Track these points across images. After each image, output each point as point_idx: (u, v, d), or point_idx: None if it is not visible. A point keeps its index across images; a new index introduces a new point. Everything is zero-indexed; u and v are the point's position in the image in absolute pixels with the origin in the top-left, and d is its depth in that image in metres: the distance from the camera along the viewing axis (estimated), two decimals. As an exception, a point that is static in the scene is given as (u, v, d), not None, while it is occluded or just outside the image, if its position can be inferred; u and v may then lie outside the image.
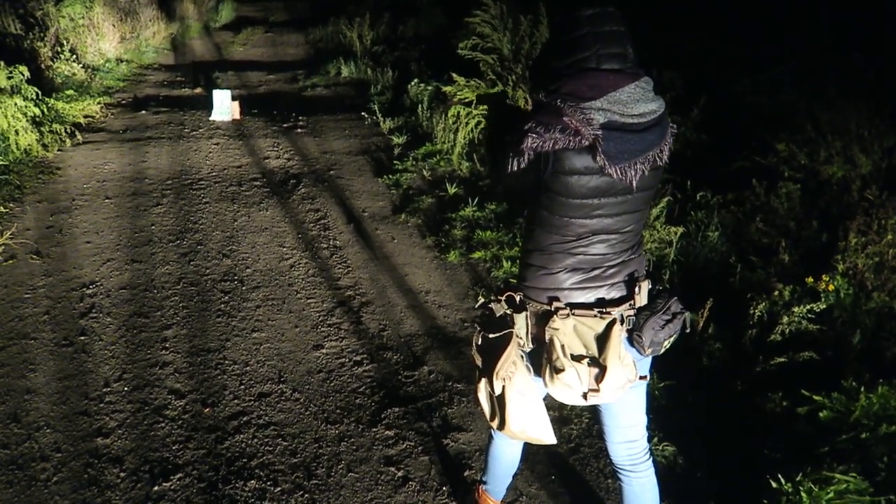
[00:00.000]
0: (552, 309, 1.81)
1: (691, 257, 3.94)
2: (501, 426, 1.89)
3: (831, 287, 3.30)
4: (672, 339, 1.85)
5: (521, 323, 1.85)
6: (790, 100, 5.21)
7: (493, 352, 1.84)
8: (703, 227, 4.05)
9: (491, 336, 1.85)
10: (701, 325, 3.29)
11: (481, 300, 1.97)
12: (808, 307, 3.16)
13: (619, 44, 1.66)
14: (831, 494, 2.32)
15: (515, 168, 1.69)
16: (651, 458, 2.08)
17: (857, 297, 3.31)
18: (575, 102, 1.62)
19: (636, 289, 1.84)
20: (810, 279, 3.35)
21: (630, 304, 1.83)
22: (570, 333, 1.79)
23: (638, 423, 2.04)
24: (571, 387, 1.77)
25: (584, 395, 1.78)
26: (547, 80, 1.72)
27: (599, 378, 1.76)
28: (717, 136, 5.13)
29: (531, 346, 1.87)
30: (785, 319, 3.17)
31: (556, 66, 1.70)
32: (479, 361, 1.91)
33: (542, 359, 1.83)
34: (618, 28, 1.67)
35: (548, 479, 2.72)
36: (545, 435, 1.89)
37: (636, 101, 1.65)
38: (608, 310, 1.80)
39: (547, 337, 1.80)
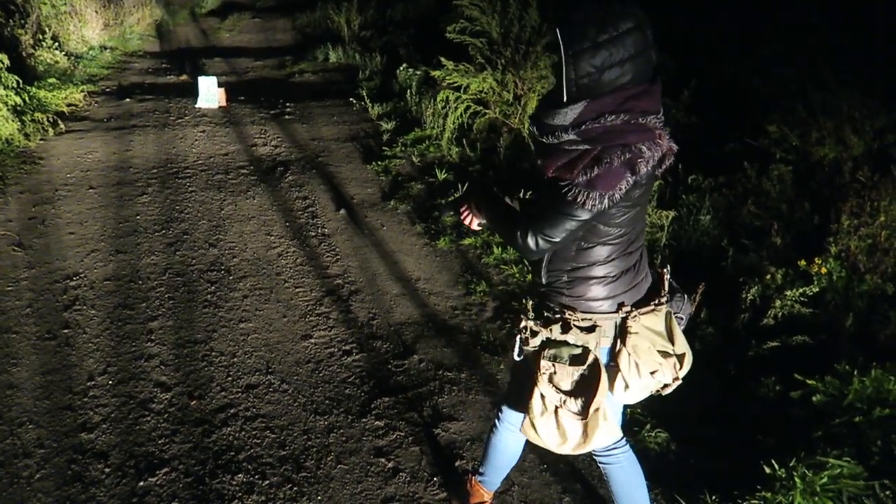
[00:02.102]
0: (624, 314, 1.81)
1: (683, 241, 3.91)
2: (580, 446, 1.84)
3: (824, 270, 3.27)
4: None
5: (593, 342, 1.81)
6: (782, 81, 5.16)
7: (585, 382, 1.79)
8: (694, 211, 4.02)
9: (583, 371, 1.78)
10: (693, 309, 3.26)
11: (527, 336, 1.84)
12: (801, 290, 3.13)
13: (652, 44, 1.58)
14: (825, 479, 2.30)
15: (612, 203, 1.60)
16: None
17: (850, 279, 3.29)
18: (652, 119, 1.60)
19: (662, 275, 1.91)
20: (803, 262, 3.32)
21: (663, 292, 1.88)
22: (646, 333, 1.81)
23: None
24: (660, 382, 1.82)
25: (665, 387, 1.86)
26: (610, 102, 1.57)
27: (678, 366, 1.84)
28: (709, 118, 5.09)
29: (606, 359, 1.86)
30: (777, 303, 3.15)
31: (616, 79, 1.56)
32: (551, 395, 1.81)
33: (618, 367, 1.81)
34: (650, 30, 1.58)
35: (539, 468, 2.69)
36: (617, 433, 1.91)
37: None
38: (660, 301, 1.85)
39: (630, 344, 1.79)
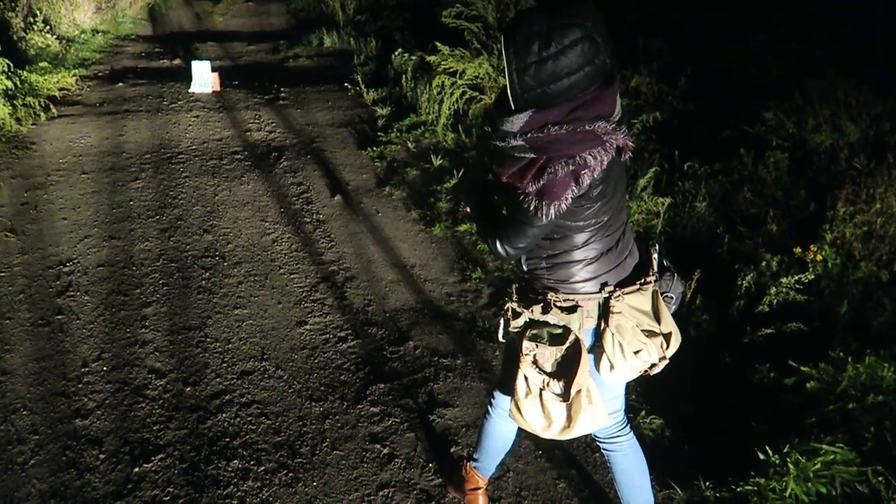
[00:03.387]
0: (607, 294, 1.79)
1: (679, 228, 3.90)
2: (565, 429, 1.85)
3: (819, 257, 3.27)
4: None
5: (576, 323, 1.81)
6: (778, 68, 5.14)
7: (566, 363, 1.79)
8: (690, 198, 4.01)
9: (564, 348, 1.79)
10: (688, 296, 3.26)
11: (510, 317, 1.85)
12: (796, 278, 3.13)
13: (607, 46, 1.54)
14: (818, 465, 2.31)
15: (558, 213, 1.61)
16: (629, 425, 2.11)
17: (845, 266, 3.29)
18: (605, 123, 1.56)
19: (651, 255, 1.90)
20: (798, 249, 3.32)
21: (652, 271, 1.87)
22: (630, 313, 1.79)
23: (620, 394, 2.05)
24: (646, 362, 1.80)
25: (652, 367, 1.84)
26: (557, 112, 1.55)
27: (665, 346, 1.82)
28: (705, 105, 5.07)
29: (591, 340, 1.85)
30: (772, 290, 3.15)
31: (562, 90, 1.53)
32: (534, 377, 1.82)
33: (602, 348, 1.81)
34: (605, 29, 1.52)
35: (535, 454, 2.70)
36: (605, 419, 1.89)
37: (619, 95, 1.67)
38: (646, 280, 1.83)
39: (613, 324, 1.78)
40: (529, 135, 1.58)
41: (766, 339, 3.01)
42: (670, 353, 1.84)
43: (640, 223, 3.89)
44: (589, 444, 2.72)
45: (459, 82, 5.39)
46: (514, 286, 1.95)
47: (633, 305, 1.80)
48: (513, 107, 1.60)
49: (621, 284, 1.81)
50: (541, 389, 1.83)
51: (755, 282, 3.25)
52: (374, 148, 5.52)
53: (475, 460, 2.34)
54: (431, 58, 5.56)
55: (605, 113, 1.57)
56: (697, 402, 2.86)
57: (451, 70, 5.39)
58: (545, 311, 1.81)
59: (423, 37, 6.84)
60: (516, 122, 1.59)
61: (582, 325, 1.81)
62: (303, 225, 4.41)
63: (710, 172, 4.19)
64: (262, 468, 2.62)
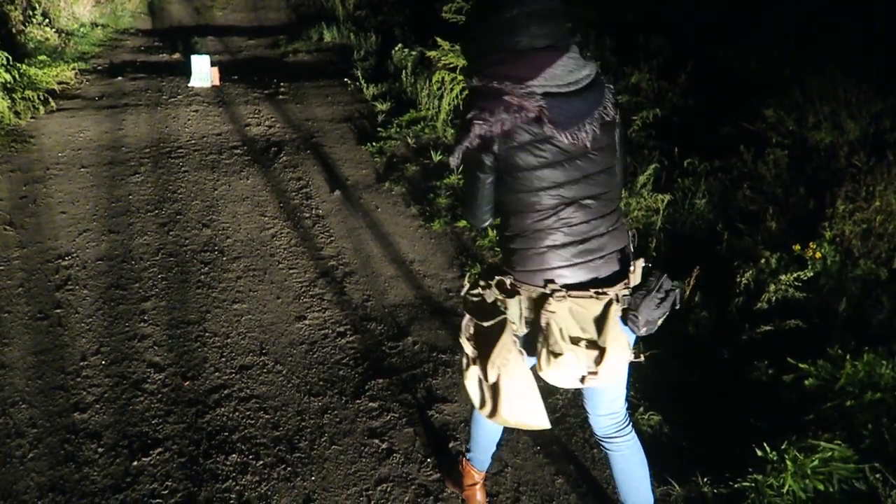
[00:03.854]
0: (548, 291, 1.76)
1: (678, 225, 3.91)
2: (493, 414, 1.85)
3: (818, 254, 3.28)
4: (665, 316, 1.82)
5: (514, 308, 1.81)
6: (778, 65, 5.14)
7: (487, 340, 1.79)
8: (690, 195, 4.01)
9: (485, 325, 1.79)
10: (687, 293, 3.26)
11: (467, 285, 1.90)
12: (795, 275, 3.14)
13: (552, 20, 1.69)
14: (816, 462, 2.32)
15: (459, 158, 1.74)
16: (631, 423, 2.09)
17: (844, 264, 3.29)
18: (513, 83, 1.65)
19: (631, 267, 1.81)
20: (797, 247, 3.33)
21: (625, 283, 1.80)
22: (566, 316, 1.74)
23: (621, 395, 2.04)
24: (570, 371, 1.75)
25: (582, 379, 1.76)
26: (481, 65, 1.73)
27: (598, 360, 1.73)
28: (705, 101, 5.07)
29: (525, 330, 1.83)
30: (771, 287, 3.15)
31: (489, 49, 1.71)
32: (469, 349, 1.86)
33: (536, 343, 1.79)
34: (546, 4, 1.68)
35: (533, 449, 2.70)
36: (539, 420, 1.86)
37: (570, 72, 1.69)
38: (604, 289, 1.76)
39: (543, 321, 1.75)
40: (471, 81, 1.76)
41: (765, 336, 3.01)
42: (603, 370, 1.73)
43: (640, 220, 3.89)
44: (587, 440, 2.72)
45: (460, 78, 5.38)
46: (492, 262, 2.04)
47: (576, 310, 1.74)
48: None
49: (578, 287, 1.76)
50: (474, 364, 1.86)
51: (754, 279, 3.25)
52: (374, 143, 5.52)
53: (469, 452, 2.34)
54: (431, 53, 5.54)
55: (519, 75, 1.65)
56: (696, 399, 2.86)
57: (452, 66, 5.37)
58: (488, 287, 1.84)
59: (424, 32, 6.82)
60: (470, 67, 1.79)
61: (522, 315, 1.82)
62: (302, 220, 4.41)
63: (710, 169, 4.19)
64: (261, 462, 2.63)
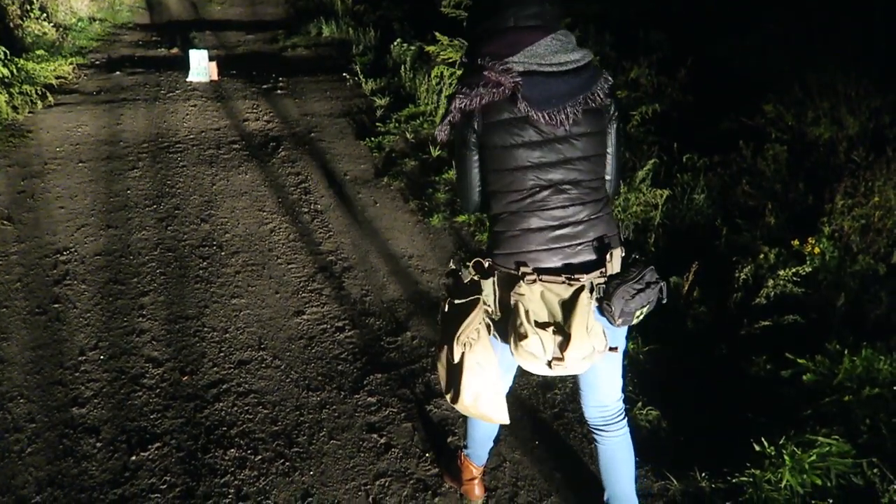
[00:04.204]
0: (519, 273, 1.76)
1: (677, 220, 3.90)
2: (455, 398, 1.86)
3: (817, 250, 3.28)
4: (645, 309, 1.78)
5: (489, 290, 1.82)
6: (778, 60, 5.13)
7: (457, 317, 1.79)
8: (689, 190, 4.01)
9: (457, 302, 1.80)
10: (686, 288, 3.26)
11: (451, 267, 1.92)
12: (794, 270, 3.14)
13: (536, 3, 1.73)
14: (814, 457, 2.32)
15: (447, 132, 1.81)
16: (625, 420, 2.09)
17: (843, 259, 3.29)
18: (495, 60, 1.69)
19: (608, 255, 1.78)
20: (796, 242, 3.33)
21: (601, 272, 1.77)
22: (536, 300, 1.74)
23: (613, 390, 2.04)
24: (535, 355, 1.73)
25: (549, 364, 1.74)
26: (472, 44, 1.81)
27: (563, 346, 1.70)
28: (704, 97, 5.06)
29: (499, 314, 1.83)
30: (770, 283, 3.15)
31: (479, 29, 1.79)
32: (441, 328, 1.88)
33: (508, 326, 1.79)
34: None
35: (531, 444, 2.70)
36: (498, 413, 1.86)
37: (554, 53, 1.71)
38: (577, 276, 1.74)
39: (512, 302, 1.76)
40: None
41: (764, 331, 3.01)
42: (569, 356, 1.70)
43: (639, 215, 3.88)
44: (585, 435, 2.73)
45: (458, 73, 5.37)
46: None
47: (546, 295, 1.73)
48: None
49: (550, 272, 1.75)
50: (442, 344, 1.87)
51: (753, 274, 3.25)
52: (373, 138, 5.51)
53: (466, 447, 2.35)
54: (430, 48, 5.53)
55: (499, 52, 1.70)
56: (694, 394, 2.87)
57: (450, 60, 5.36)
58: (464, 268, 1.87)
59: (422, 27, 6.81)
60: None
61: (497, 296, 1.83)
62: (300, 215, 4.41)
63: (709, 164, 4.19)
64: (259, 457, 2.63)
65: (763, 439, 2.41)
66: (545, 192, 1.74)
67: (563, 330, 1.71)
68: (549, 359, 1.73)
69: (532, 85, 1.67)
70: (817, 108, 4.35)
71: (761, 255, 3.32)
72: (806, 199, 3.72)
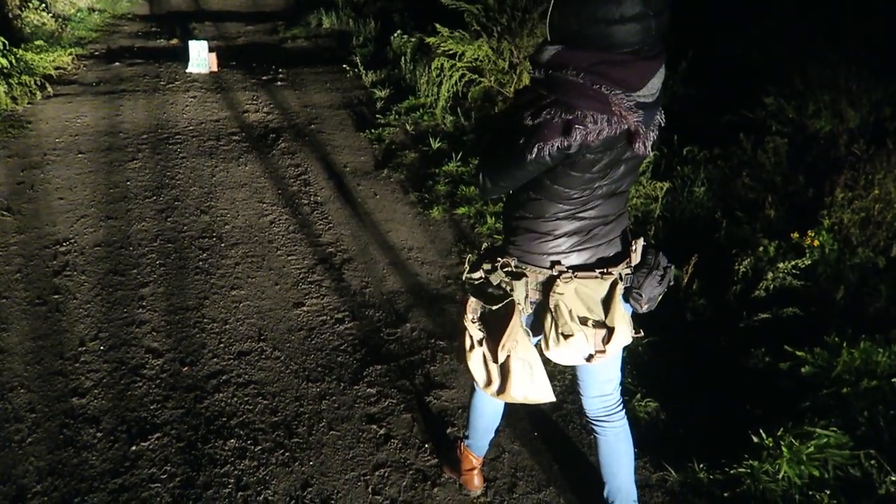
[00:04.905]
0: (555, 273, 1.77)
1: (677, 213, 3.90)
2: (501, 392, 1.88)
3: (816, 243, 3.28)
4: (663, 294, 1.86)
5: (521, 290, 1.81)
6: (779, 52, 5.11)
7: (497, 323, 1.80)
8: (689, 183, 4.00)
9: (494, 308, 1.80)
10: (686, 280, 3.27)
11: (467, 268, 1.90)
12: (793, 263, 3.14)
13: (661, 17, 1.49)
14: (811, 448, 2.33)
15: (543, 155, 1.55)
16: (624, 411, 2.11)
17: (842, 252, 3.29)
18: (623, 91, 1.51)
19: (632, 246, 1.83)
20: (796, 235, 3.33)
21: (627, 263, 1.82)
22: (573, 296, 1.76)
23: (613, 378, 2.06)
24: (580, 350, 1.77)
25: (589, 357, 1.79)
26: (582, 58, 1.50)
27: (606, 339, 1.76)
28: (706, 89, 5.05)
29: (530, 311, 1.85)
30: (769, 275, 3.16)
31: (603, 46, 1.49)
32: (473, 331, 1.87)
33: (542, 323, 1.81)
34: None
35: (530, 435, 2.71)
36: (546, 394, 1.89)
37: (660, 79, 1.59)
38: (609, 269, 1.78)
39: (552, 303, 1.77)
40: (551, 72, 1.54)
41: (763, 323, 3.02)
42: (611, 348, 1.76)
43: (639, 207, 3.88)
44: (584, 426, 2.73)
45: (459, 65, 5.36)
46: (490, 243, 2.00)
47: (582, 291, 1.76)
48: (548, 38, 1.58)
49: (583, 268, 1.78)
50: (478, 344, 1.88)
51: (752, 267, 3.25)
52: (373, 130, 5.50)
53: (467, 438, 2.35)
54: (431, 39, 5.51)
55: (629, 83, 1.51)
56: (693, 386, 2.87)
57: (451, 52, 5.35)
58: (493, 270, 1.83)
59: (423, 18, 6.79)
60: (545, 54, 1.56)
61: (528, 296, 1.82)
62: (300, 206, 4.40)
63: (710, 157, 4.18)
64: (259, 447, 2.64)
65: (761, 431, 2.42)
66: (592, 203, 1.73)
67: (603, 324, 1.76)
68: (592, 352, 1.78)
69: (641, 119, 1.56)
70: (818, 101, 4.33)
71: (761, 248, 3.32)
72: (806, 191, 3.72)
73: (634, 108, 1.53)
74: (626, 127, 1.54)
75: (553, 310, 1.77)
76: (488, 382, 1.92)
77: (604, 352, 1.77)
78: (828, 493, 2.23)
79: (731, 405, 2.72)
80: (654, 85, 1.57)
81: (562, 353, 1.79)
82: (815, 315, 3.03)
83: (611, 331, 1.75)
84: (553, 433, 2.73)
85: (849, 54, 4.64)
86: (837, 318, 2.97)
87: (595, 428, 2.12)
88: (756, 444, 2.41)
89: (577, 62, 1.51)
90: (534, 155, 1.55)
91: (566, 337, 1.74)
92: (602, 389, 2.06)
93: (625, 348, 1.99)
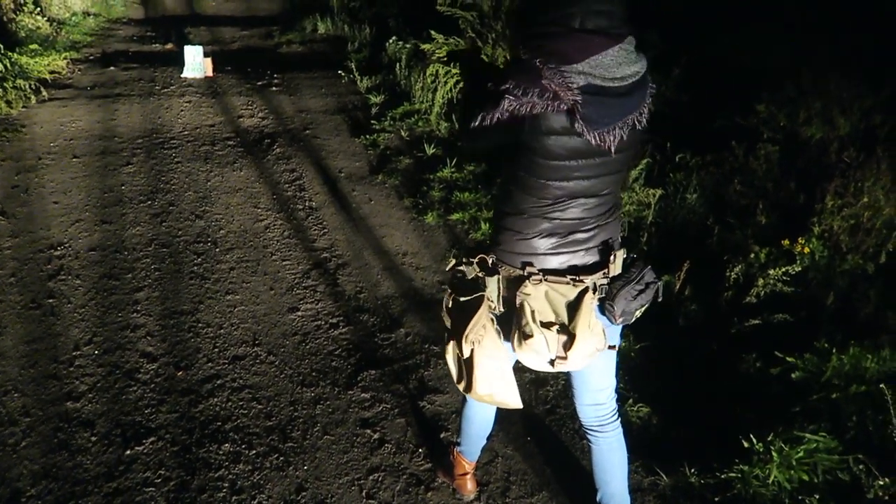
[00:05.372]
0: (525, 274, 1.78)
1: (669, 219, 3.93)
2: (468, 389, 1.89)
3: (807, 249, 3.31)
4: (644, 308, 1.83)
5: (493, 286, 1.83)
6: (770, 59, 5.16)
7: (464, 314, 1.81)
8: (681, 189, 4.04)
9: (462, 299, 1.82)
10: (678, 286, 3.29)
11: (452, 262, 1.92)
12: (784, 269, 3.17)
13: (607, 1, 1.57)
14: (801, 453, 2.36)
15: (486, 124, 1.62)
16: (619, 420, 2.11)
17: (832, 259, 3.33)
18: (556, 64, 1.55)
19: (611, 257, 1.81)
20: (786, 241, 3.36)
21: (604, 273, 1.80)
22: (541, 299, 1.76)
23: (607, 386, 2.05)
24: (539, 353, 1.76)
25: (552, 362, 1.78)
26: (529, 35, 1.61)
27: (568, 346, 1.74)
28: (698, 95, 5.09)
29: (502, 309, 1.85)
30: (760, 281, 3.19)
31: (541, 22, 1.59)
32: (448, 323, 1.90)
33: (511, 323, 1.81)
34: None
35: (523, 439, 2.73)
36: (512, 399, 1.89)
37: (619, 65, 1.59)
38: (581, 277, 1.77)
39: (518, 302, 1.77)
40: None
41: (754, 329, 3.04)
42: (572, 355, 1.75)
43: (631, 214, 3.91)
44: (577, 430, 2.75)
45: (454, 71, 5.38)
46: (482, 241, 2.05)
47: (552, 295, 1.76)
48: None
49: (556, 273, 1.78)
50: (449, 337, 1.88)
51: (744, 273, 3.28)
52: (368, 136, 5.52)
53: (459, 444, 2.37)
54: (426, 46, 5.54)
55: (565, 55, 1.55)
56: (684, 391, 2.90)
57: (446, 59, 5.37)
58: (469, 264, 1.86)
59: (418, 25, 6.80)
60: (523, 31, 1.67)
61: (500, 293, 1.83)
62: (295, 211, 4.42)
63: (702, 164, 4.21)
64: (254, 452, 2.64)
65: (752, 435, 2.45)
66: (569, 202, 1.73)
67: (567, 330, 1.75)
68: (553, 357, 1.77)
69: (590, 103, 1.56)
70: (809, 108, 4.38)
71: (752, 254, 3.35)
72: (797, 198, 3.76)
73: (572, 87, 1.55)
74: (568, 108, 1.56)
75: (518, 308, 1.77)
76: (460, 378, 1.92)
77: (565, 358, 1.75)
78: (817, 497, 2.26)
79: (723, 410, 2.75)
80: (624, 71, 1.59)
81: (525, 355, 1.79)
82: (805, 321, 3.06)
83: (572, 337, 1.73)
84: (546, 438, 2.74)
85: (840, 60, 4.69)
86: (827, 323, 3.00)
87: (589, 436, 2.13)
88: (747, 448, 2.43)
89: (523, 41, 1.63)
90: (477, 122, 1.63)
91: (526, 337, 1.74)
92: (595, 398, 2.06)
93: (617, 354, 2.01)
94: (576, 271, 1.79)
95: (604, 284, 1.80)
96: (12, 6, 7.64)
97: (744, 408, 2.71)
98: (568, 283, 1.77)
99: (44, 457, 2.59)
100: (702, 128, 4.69)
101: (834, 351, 2.68)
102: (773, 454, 2.36)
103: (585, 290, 1.76)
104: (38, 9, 8.06)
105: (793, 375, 2.68)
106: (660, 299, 1.86)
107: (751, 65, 5.25)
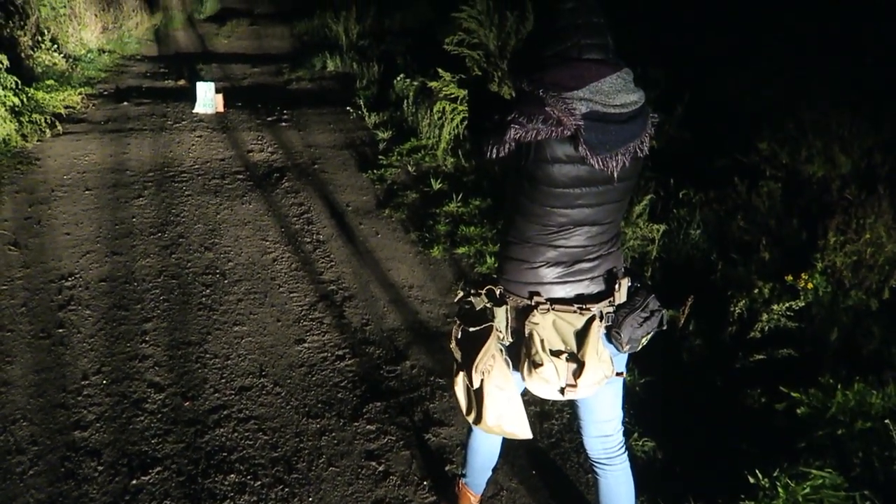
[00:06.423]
0: (532, 303, 1.81)
1: (673, 254, 3.97)
2: (478, 420, 1.90)
3: (810, 285, 3.33)
4: (649, 336, 1.86)
5: (501, 317, 1.86)
6: (772, 98, 5.25)
7: (473, 345, 1.84)
8: (685, 225, 4.08)
9: (471, 330, 1.85)
10: (682, 321, 3.31)
11: (460, 294, 1.95)
12: (788, 305, 3.19)
13: (600, 34, 1.67)
14: (807, 489, 2.34)
15: (495, 156, 1.69)
16: (626, 453, 2.11)
17: (836, 294, 3.35)
18: (557, 92, 1.62)
19: (616, 285, 1.85)
20: (790, 277, 3.38)
21: (609, 301, 1.84)
22: (549, 328, 1.80)
23: (614, 417, 2.06)
24: (549, 381, 1.79)
25: (562, 391, 1.80)
26: (529, 69, 1.69)
27: (577, 374, 1.77)
28: (700, 133, 5.16)
29: (510, 339, 1.88)
30: (764, 317, 3.20)
31: (539, 56, 1.68)
32: (457, 355, 1.92)
33: (521, 353, 1.84)
34: (598, 20, 1.67)
35: (528, 473, 2.72)
36: (521, 430, 1.90)
37: (618, 92, 1.65)
38: (588, 305, 1.81)
39: (527, 331, 1.80)
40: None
41: (758, 364, 3.05)
42: (582, 383, 1.78)
43: (636, 249, 3.95)
44: (581, 464, 2.75)
45: (460, 108, 5.49)
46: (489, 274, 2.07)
47: (560, 324, 1.80)
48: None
49: (563, 302, 1.81)
50: (460, 369, 1.90)
51: (747, 308, 3.30)
52: (375, 170, 5.61)
53: (464, 475, 2.37)
54: (433, 83, 5.66)
55: (564, 84, 1.62)
56: (689, 426, 2.90)
57: (452, 96, 5.48)
58: (477, 295, 1.88)
59: (425, 62, 6.96)
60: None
61: (509, 324, 1.86)
62: (303, 244, 4.47)
63: (705, 200, 4.26)
64: (259, 483, 2.65)
65: (757, 471, 2.44)
66: (573, 230, 1.77)
67: (576, 358, 1.78)
68: (563, 385, 1.79)
69: (593, 129, 1.62)
70: (811, 146, 4.44)
71: (756, 290, 3.37)
72: (799, 235, 3.79)
73: (575, 113, 1.61)
74: (571, 133, 1.62)
75: (527, 338, 1.80)
76: (469, 409, 1.94)
77: (575, 386, 1.78)
78: (823, 533, 2.24)
79: (728, 445, 2.74)
80: (623, 99, 1.66)
81: (535, 384, 1.81)
82: (809, 356, 3.07)
83: (581, 365, 1.77)
84: (551, 471, 2.74)
85: (840, 99, 4.77)
86: (832, 359, 3.01)
87: (596, 469, 2.12)
88: (752, 483, 2.42)
89: (525, 74, 1.69)
90: (493, 155, 1.69)
91: (536, 366, 1.77)
92: (602, 430, 2.07)
93: (623, 387, 2.03)
94: (582, 300, 1.83)
95: (610, 312, 1.84)
96: (30, 43, 7.84)
97: (749, 443, 2.70)
98: (575, 312, 1.80)
99: (51, 486, 2.60)
100: (704, 165, 4.75)
101: (839, 386, 2.68)
102: (779, 490, 2.35)
103: (592, 318, 1.80)
104: (55, 46, 8.26)
105: (798, 411, 2.68)
106: (664, 327, 1.89)
107: (751, 102, 5.34)
